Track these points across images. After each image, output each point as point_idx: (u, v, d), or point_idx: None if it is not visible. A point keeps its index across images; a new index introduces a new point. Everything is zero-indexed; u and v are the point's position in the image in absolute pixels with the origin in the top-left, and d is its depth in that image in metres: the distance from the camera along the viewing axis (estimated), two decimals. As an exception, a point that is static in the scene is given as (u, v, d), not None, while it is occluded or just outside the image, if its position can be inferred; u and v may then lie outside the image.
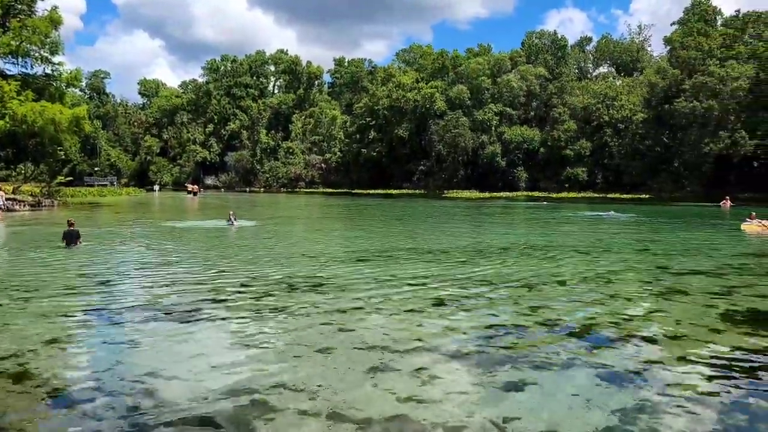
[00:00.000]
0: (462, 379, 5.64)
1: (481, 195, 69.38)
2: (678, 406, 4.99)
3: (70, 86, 45.55)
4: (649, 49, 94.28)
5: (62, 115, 38.28)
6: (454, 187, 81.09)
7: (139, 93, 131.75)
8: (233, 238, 19.64)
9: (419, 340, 6.94)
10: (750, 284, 10.70)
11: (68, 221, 16.45)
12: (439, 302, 9.05)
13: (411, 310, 8.49)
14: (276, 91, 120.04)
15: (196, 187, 75.47)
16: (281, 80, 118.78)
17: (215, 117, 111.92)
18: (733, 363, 6.15)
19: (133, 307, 8.67)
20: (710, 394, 5.29)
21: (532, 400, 5.14)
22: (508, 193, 71.75)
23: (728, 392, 5.33)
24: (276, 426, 4.56)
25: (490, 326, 7.61)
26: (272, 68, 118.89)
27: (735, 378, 5.71)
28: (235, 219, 24.12)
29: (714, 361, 6.21)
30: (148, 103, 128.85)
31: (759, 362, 6.18)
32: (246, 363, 6.11)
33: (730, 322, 7.86)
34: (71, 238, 15.66)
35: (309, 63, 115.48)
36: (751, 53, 62.75)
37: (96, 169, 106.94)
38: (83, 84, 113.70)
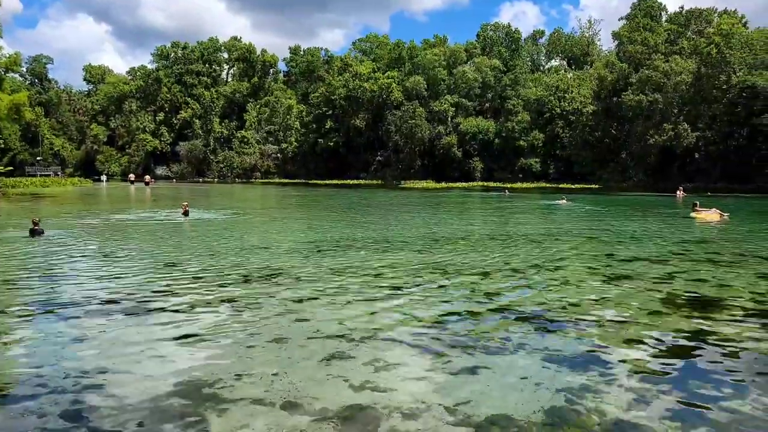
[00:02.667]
0: (416, 366, 5.72)
1: (438, 185, 70.07)
2: (621, 386, 5.21)
3: (9, 71, 43.25)
4: (598, 43, 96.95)
5: (0, 101, 36.32)
6: (411, 177, 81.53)
7: (85, 79, 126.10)
8: (186, 230, 19.18)
9: (375, 328, 6.98)
10: (690, 269, 11.23)
11: (33, 221, 15.87)
12: (395, 291, 9.13)
13: (367, 299, 8.53)
14: (229, 80, 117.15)
15: (148, 177, 73.23)
16: (235, 68, 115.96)
17: (166, 105, 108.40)
18: (674, 344, 6.47)
19: (78, 301, 8.37)
20: (652, 373, 5.55)
21: (484, 384, 5.26)
22: (464, 184, 72.72)
23: (669, 372, 5.60)
24: (228, 418, 4.52)
25: (445, 314, 7.73)
26: (225, 56, 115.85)
27: (675, 358, 6.01)
28: (187, 210, 23.51)
29: (656, 342, 6.51)
30: (94, 90, 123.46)
31: (697, 343, 6.52)
32: (197, 355, 6.01)
33: (671, 305, 8.25)
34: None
35: (264, 51, 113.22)
36: (693, 49, 65.43)
37: (38, 158, 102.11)
38: (23, 69, 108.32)
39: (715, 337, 6.70)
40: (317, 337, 6.63)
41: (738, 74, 60.01)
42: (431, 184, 72.29)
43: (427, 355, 6.06)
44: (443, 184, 70.89)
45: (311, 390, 5.06)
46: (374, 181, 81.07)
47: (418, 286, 9.57)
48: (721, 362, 5.87)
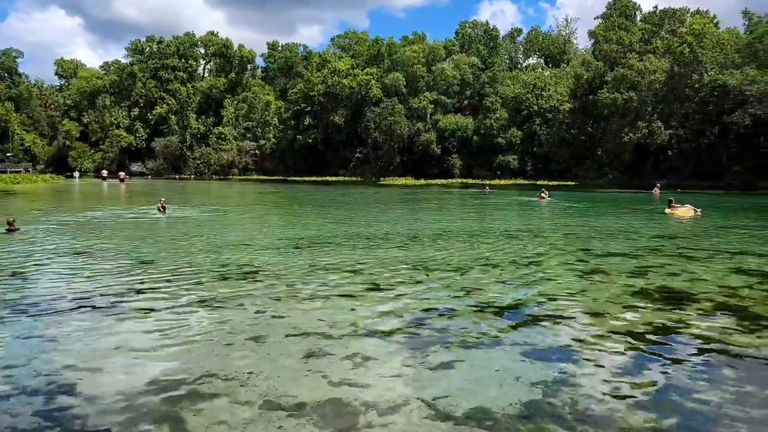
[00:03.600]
0: (395, 362, 5.73)
1: (417, 182, 70.23)
2: (596, 378, 5.29)
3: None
4: (575, 41, 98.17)
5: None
6: (390, 174, 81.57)
7: (56, 74, 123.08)
8: (163, 226, 18.90)
9: (353, 325, 6.98)
10: (663, 264, 11.46)
11: (7, 221, 15.42)
12: (374, 287, 9.13)
13: (346, 296, 8.51)
14: (206, 75, 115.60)
15: (122, 174, 71.95)
16: (212, 63, 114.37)
17: (141, 100, 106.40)
18: (647, 337, 6.59)
19: (50, 299, 8.19)
20: (626, 365, 5.65)
21: (463, 378, 5.30)
22: (443, 180, 73.01)
23: (642, 363, 5.71)
24: (206, 416, 4.47)
25: (424, 309, 7.76)
26: (202, 51, 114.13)
27: (648, 350, 6.12)
28: (165, 206, 23.16)
29: (629, 335, 6.62)
30: (66, 84, 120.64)
31: (669, 335, 6.66)
32: (174, 353, 5.93)
33: (644, 299, 8.40)
34: None
35: (241, 46, 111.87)
36: (666, 48, 66.66)
37: (8, 154, 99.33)
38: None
39: (686, 330, 6.84)
40: (295, 334, 6.60)
41: (709, 73, 61.34)
42: (410, 180, 72.43)
43: (406, 350, 6.08)
44: (422, 181, 71.08)
45: (289, 387, 5.03)
46: (353, 178, 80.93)
47: (396, 282, 9.59)
48: (693, 354, 6.00)
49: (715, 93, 59.89)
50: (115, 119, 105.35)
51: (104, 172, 78.23)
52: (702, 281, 9.72)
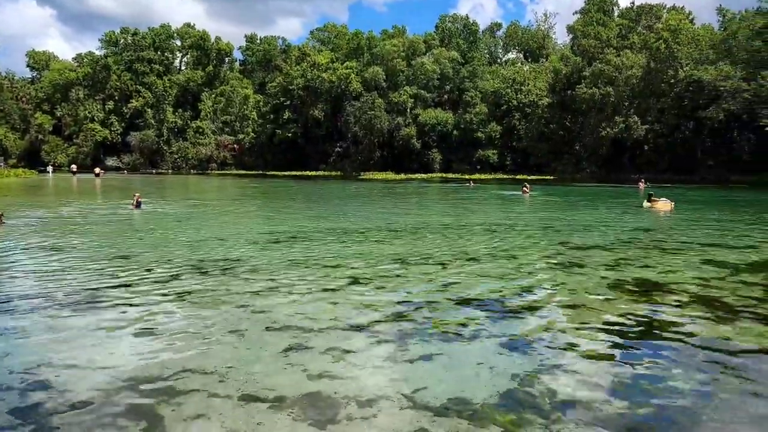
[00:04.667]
0: (375, 355, 5.74)
1: (397, 176, 70.27)
2: (572, 369, 5.37)
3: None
4: (553, 36, 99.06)
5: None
6: (370, 168, 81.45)
7: (28, 66, 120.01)
8: (138, 221, 18.61)
9: (333, 318, 6.97)
10: (638, 257, 11.66)
11: None
12: (354, 281, 9.12)
13: (325, 290, 8.49)
14: (183, 68, 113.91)
15: (98, 169, 70.53)
16: (188, 56, 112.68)
17: (115, 93, 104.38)
18: (622, 328, 6.70)
19: (23, 295, 8.01)
20: (601, 356, 5.74)
21: (441, 370, 5.33)
22: (423, 175, 73.17)
23: (617, 354, 5.81)
24: (183, 411, 4.42)
25: (403, 302, 7.78)
26: (178, 43, 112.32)
27: (623, 341, 6.23)
28: (139, 201, 22.80)
29: (605, 326, 6.73)
30: (38, 77, 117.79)
31: (644, 326, 6.78)
32: (151, 349, 5.85)
33: (620, 291, 8.54)
34: None
35: (218, 39, 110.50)
36: (643, 43, 67.60)
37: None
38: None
39: (661, 321, 6.98)
40: (274, 328, 6.56)
41: (685, 69, 62.40)
42: (390, 175, 72.42)
43: (385, 343, 6.09)
44: (402, 176, 71.15)
45: (268, 381, 5.01)
46: (333, 173, 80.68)
47: (377, 275, 9.59)
48: (666, 344, 6.12)
49: (690, 88, 61.00)
50: (89, 112, 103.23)
51: (74, 167, 76.55)
52: (676, 273, 9.92)
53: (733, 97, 57.27)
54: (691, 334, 6.43)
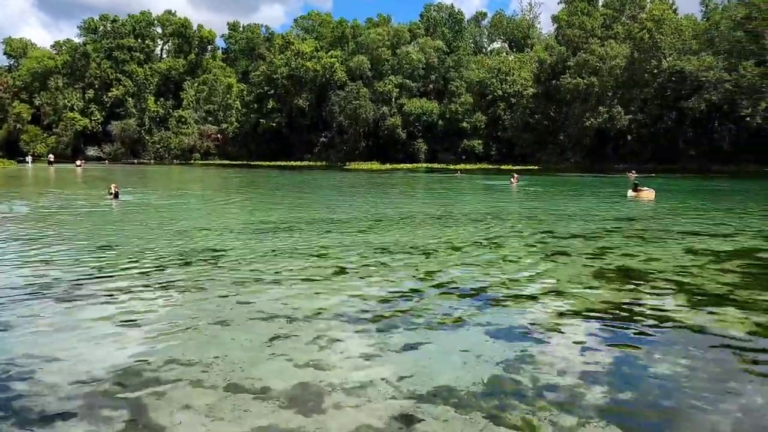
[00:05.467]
0: (361, 344, 5.74)
1: (383, 167, 70.18)
2: (556, 355, 5.43)
3: None
4: (538, 26, 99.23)
5: None
6: (355, 158, 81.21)
7: (5, 53, 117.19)
8: (118, 212, 18.38)
9: (319, 308, 6.96)
10: (620, 245, 11.80)
11: None
12: (339, 271, 9.11)
13: (311, 280, 8.47)
14: (164, 56, 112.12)
15: (79, 161, 69.29)
16: (170, 44, 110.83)
17: (95, 82, 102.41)
18: (605, 315, 6.79)
19: (6, 286, 7.87)
20: (584, 342, 5.81)
21: (427, 358, 5.36)
22: (408, 165, 73.15)
23: (600, 340, 5.88)
24: (169, 401, 4.39)
25: (389, 292, 7.79)
26: (159, 31, 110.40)
27: (606, 328, 6.31)
28: (117, 192, 22.19)
29: (588, 314, 6.81)
30: (16, 65, 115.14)
31: (625, 313, 6.87)
32: (134, 340, 5.80)
33: (603, 279, 8.64)
34: None
35: (200, 26, 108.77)
36: (627, 33, 68.00)
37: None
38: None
39: (642, 308, 7.07)
40: (260, 318, 6.54)
41: (668, 59, 62.94)
42: (376, 165, 72.30)
43: (371, 332, 6.10)
44: (388, 166, 71.06)
45: (254, 370, 4.99)
46: (318, 163, 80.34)
47: (362, 265, 9.59)
48: (648, 331, 6.21)
49: (673, 79, 61.57)
50: (68, 101, 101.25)
51: (51, 157, 75.02)
52: (657, 261, 10.05)
53: (714, 87, 57.96)
54: (671, 321, 6.53)
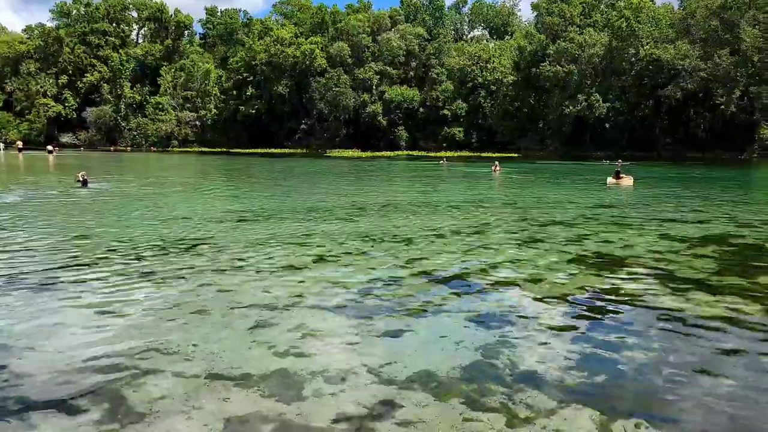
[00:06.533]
0: (342, 331, 5.76)
1: (363, 154, 69.98)
2: (534, 341, 5.52)
3: None
4: (518, 13, 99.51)
5: None
6: (336, 146, 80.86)
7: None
8: (91, 200, 18.04)
9: (300, 296, 6.95)
10: (598, 232, 11.98)
11: None
12: (320, 259, 9.10)
13: (292, 268, 8.45)
14: (140, 41, 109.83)
15: (50, 147, 67.72)
16: (146, 29, 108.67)
17: (69, 67, 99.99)
18: (582, 300, 6.90)
19: (-25, 278, 7.70)
20: (561, 327, 5.91)
21: (408, 345, 5.40)
22: (389, 152, 73.01)
23: (577, 326, 5.99)
24: (148, 391, 4.36)
25: (370, 280, 7.81)
26: (135, 15, 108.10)
27: (583, 313, 6.43)
28: (86, 179, 21.53)
29: (566, 299, 6.92)
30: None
31: (602, 298, 7.00)
32: (113, 330, 5.73)
33: (581, 265, 8.78)
34: None
35: (177, 11, 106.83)
36: (605, 22, 68.49)
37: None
38: None
39: (618, 293, 7.21)
40: (240, 306, 6.51)
41: (645, 47, 63.59)
42: (357, 153, 72.06)
43: (352, 319, 6.12)
44: (369, 153, 70.87)
45: (234, 359, 4.98)
46: (298, 150, 79.78)
47: (343, 253, 9.59)
48: (624, 315, 6.34)
49: (650, 67, 62.29)
50: (41, 87, 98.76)
51: (19, 143, 72.98)
52: (634, 247, 10.24)
53: (690, 76, 58.82)
54: (647, 306, 6.67)
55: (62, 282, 7.52)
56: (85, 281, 7.56)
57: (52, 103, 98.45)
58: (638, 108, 64.98)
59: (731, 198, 19.99)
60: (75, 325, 5.86)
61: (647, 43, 63.93)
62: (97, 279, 7.68)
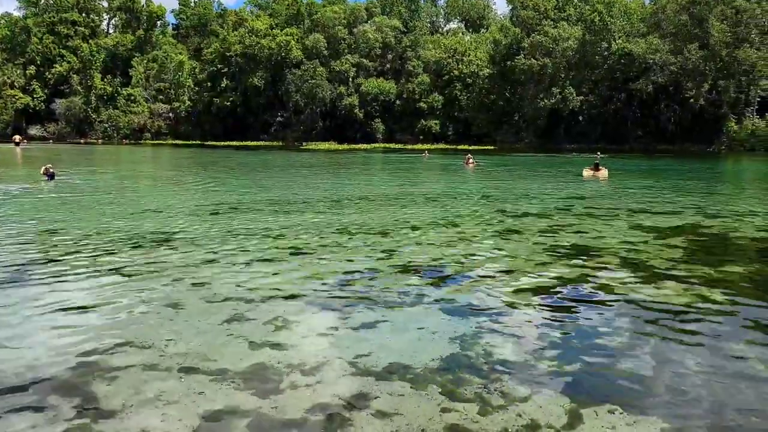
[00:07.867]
0: (318, 324, 5.75)
1: (340, 147, 69.67)
2: (509, 331, 5.59)
3: None
4: (494, 6, 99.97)
5: None
6: (312, 138, 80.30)
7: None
8: (59, 194, 17.62)
9: (275, 289, 6.91)
10: (572, 223, 12.16)
11: None
12: (296, 252, 9.05)
13: (267, 261, 8.40)
14: (111, 31, 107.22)
15: (18, 137, 65.83)
16: (117, 19, 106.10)
17: (37, 58, 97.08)
18: (556, 290, 7.01)
19: (-62, 274, 7.47)
20: (536, 317, 5.99)
21: (384, 336, 5.41)
22: (366, 145, 72.81)
23: (552, 316, 6.08)
24: (119, 386, 4.29)
25: (346, 272, 7.80)
26: (105, 4, 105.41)
27: (557, 303, 6.53)
28: (52, 173, 20.91)
29: (540, 290, 7.02)
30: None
31: (575, 289, 7.12)
32: (82, 324, 5.62)
33: (555, 256, 8.90)
34: None
35: (149, 1, 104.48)
36: (579, 16, 69.27)
37: None
38: None
39: (591, 283, 7.34)
40: (215, 300, 6.44)
41: (617, 41, 64.54)
42: (333, 145, 71.69)
43: (328, 312, 6.11)
44: (345, 146, 70.59)
45: (209, 352, 4.93)
46: (274, 143, 79.08)
47: (319, 246, 9.56)
48: (596, 305, 6.46)
49: (622, 61, 63.30)
50: (8, 78, 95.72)
51: None
52: (606, 238, 10.42)
53: (661, 69, 59.91)
54: (618, 294, 6.80)
55: (32, 277, 7.34)
56: (54, 276, 7.39)
57: (20, 95, 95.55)
58: (611, 101, 65.98)
59: (699, 189, 20.49)
60: (44, 322, 5.73)
61: (619, 37, 64.89)
62: (68, 274, 7.52)
